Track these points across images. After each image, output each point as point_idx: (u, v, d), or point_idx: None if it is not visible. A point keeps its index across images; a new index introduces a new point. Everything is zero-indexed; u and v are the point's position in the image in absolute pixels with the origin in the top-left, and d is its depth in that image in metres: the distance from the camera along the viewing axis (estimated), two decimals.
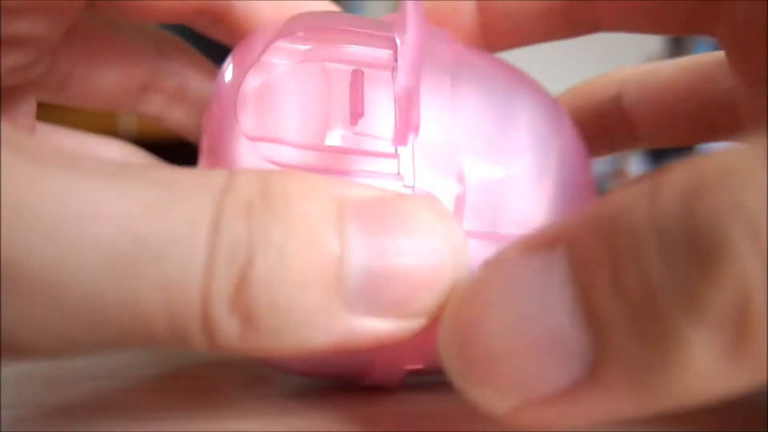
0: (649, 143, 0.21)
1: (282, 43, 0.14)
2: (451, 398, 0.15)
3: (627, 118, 0.21)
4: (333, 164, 0.13)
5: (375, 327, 0.11)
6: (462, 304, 0.10)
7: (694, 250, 0.08)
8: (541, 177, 0.15)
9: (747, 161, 0.08)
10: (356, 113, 0.14)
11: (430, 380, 0.16)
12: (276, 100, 0.14)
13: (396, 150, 0.14)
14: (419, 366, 0.15)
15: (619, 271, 0.08)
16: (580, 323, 0.09)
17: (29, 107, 0.18)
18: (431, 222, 0.11)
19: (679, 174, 0.09)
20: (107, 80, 0.19)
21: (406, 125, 0.14)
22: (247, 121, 0.14)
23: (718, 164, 0.08)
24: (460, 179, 0.14)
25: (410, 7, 0.15)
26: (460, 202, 0.14)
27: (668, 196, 0.08)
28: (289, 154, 0.13)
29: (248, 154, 0.13)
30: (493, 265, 0.10)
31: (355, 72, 0.14)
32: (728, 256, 0.08)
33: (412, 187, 0.13)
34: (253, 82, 0.14)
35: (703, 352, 0.08)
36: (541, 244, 0.10)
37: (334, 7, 0.19)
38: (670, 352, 0.08)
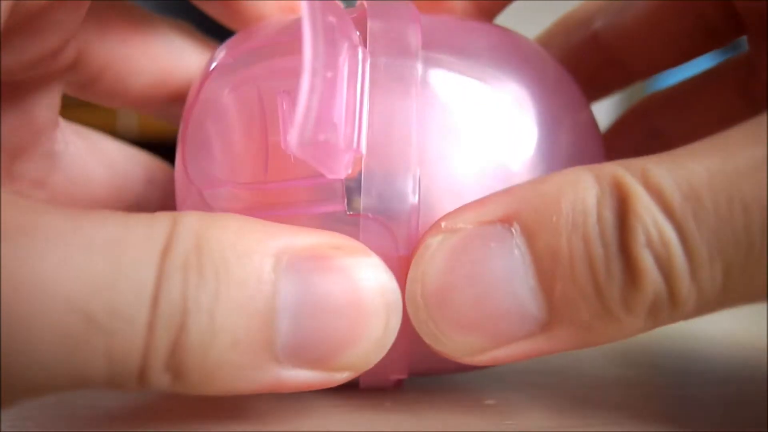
0: (641, 74, 0.21)
1: (217, 73, 0.14)
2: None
3: (611, 54, 0.20)
4: (276, 199, 0.13)
5: (301, 378, 0.11)
6: (429, 274, 0.12)
7: (623, 267, 0.11)
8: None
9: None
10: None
11: (431, 380, 0.16)
12: (215, 137, 0.13)
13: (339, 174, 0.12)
14: (404, 376, 0.14)
15: (575, 269, 0.11)
16: (538, 298, 0.11)
17: (51, 101, 0.17)
18: (365, 280, 0.11)
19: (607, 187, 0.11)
20: (141, 83, 0.18)
21: (336, 152, 0.12)
22: (193, 163, 0.13)
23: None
24: (414, 191, 0.13)
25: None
26: (413, 216, 0.13)
27: (606, 215, 0.11)
28: (232, 196, 0.13)
29: (195, 200, 0.13)
30: (451, 236, 0.12)
31: (281, 94, 0.12)
32: (645, 275, 0.11)
33: (359, 215, 0.12)
34: (195, 120, 0.14)
35: (631, 325, 0.11)
36: (495, 219, 0.12)
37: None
38: (607, 324, 0.11)
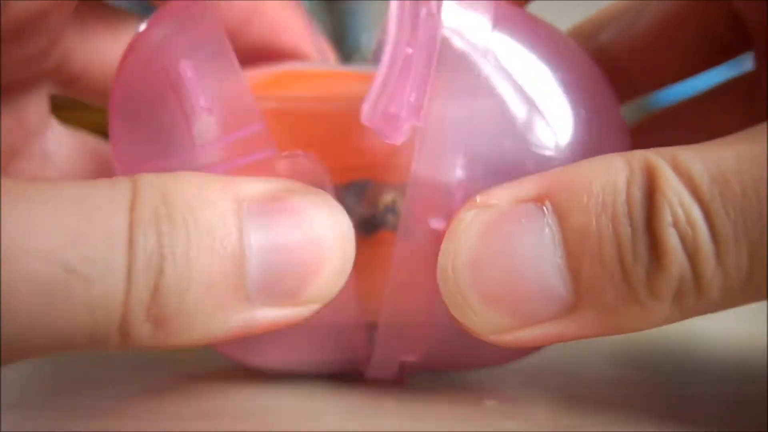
0: (648, 87, 0.21)
1: (131, 50, 0.14)
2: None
3: (619, 67, 0.20)
4: (210, 160, 0.13)
5: (272, 315, 0.12)
6: (461, 247, 0.12)
7: (649, 246, 0.11)
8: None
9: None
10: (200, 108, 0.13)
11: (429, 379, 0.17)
12: (137, 114, 0.14)
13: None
14: (414, 358, 0.15)
15: (603, 250, 0.11)
16: (566, 277, 0.12)
17: (40, 100, 0.18)
18: (319, 216, 0.12)
19: (640, 166, 0.11)
20: None
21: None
22: (121, 146, 0.14)
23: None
24: (462, 168, 0.13)
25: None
26: (459, 191, 0.13)
27: (635, 192, 0.11)
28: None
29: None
30: (485, 211, 0.12)
31: (184, 62, 0.13)
32: (670, 255, 0.11)
33: (293, 154, 0.13)
34: (118, 100, 0.14)
35: (656, 311, 0.11)
36: (529, 197, 0.12)
37: None
38: (632, 308, 0.11)
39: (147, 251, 0.11)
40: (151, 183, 0.11)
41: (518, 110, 0.14)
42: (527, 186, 0.12)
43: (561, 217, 0.12)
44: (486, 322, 0.12)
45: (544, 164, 0.13)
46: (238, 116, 0.13)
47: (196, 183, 0.12)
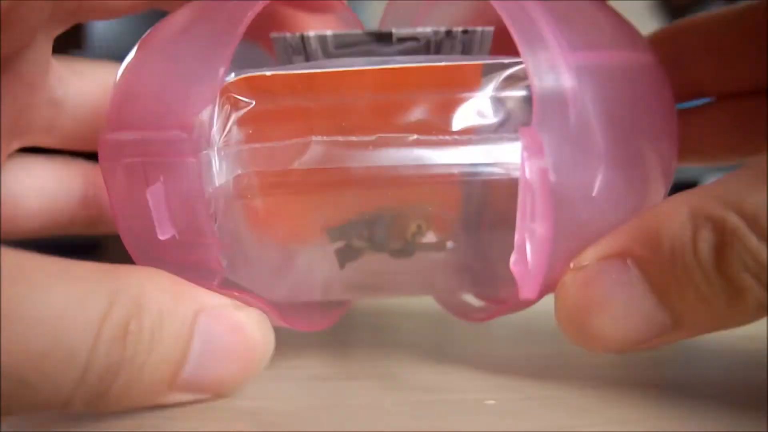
0: (712, 92, 0.22)
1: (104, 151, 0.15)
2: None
3: (688, 73, 0.21)
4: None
5: (184, 399, 0.14)
6: (567, 306, 0.15)
7: (725, 287, 0.13)
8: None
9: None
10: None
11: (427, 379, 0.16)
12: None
13: None
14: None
15: (683, 289, 0.13)
16: (663, 311, 0.14)
17: (39, 49, 0.18)
18: (253, 332, 0.14)
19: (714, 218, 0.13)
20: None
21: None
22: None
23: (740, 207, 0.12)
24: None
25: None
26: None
27: (703, 248, 0.13)
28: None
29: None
30: (580, 270, 0.15)
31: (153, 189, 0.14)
32: (747, 293, 0.13)
33: None
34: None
35: (746, 314, 0.13)
36: (613, 254, 0.14)
37: None
38: (725, 321, 0.14)
39: (106, 364, 0.12)
40: (128, 291, 0.12)
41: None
42: (608, 245, 0.14)
43: (642, 268, 0.14)
44: (602, 348, 0.15)
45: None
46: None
47: (169, 290, 0.13)
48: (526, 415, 0.14)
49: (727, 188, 0.13)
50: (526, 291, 0.14)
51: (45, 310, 0.11)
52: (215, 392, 0.14)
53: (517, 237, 0.14)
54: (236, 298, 0.14)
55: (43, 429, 0.13)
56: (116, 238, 0.16)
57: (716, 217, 0.13)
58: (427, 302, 0.21)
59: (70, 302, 0.12)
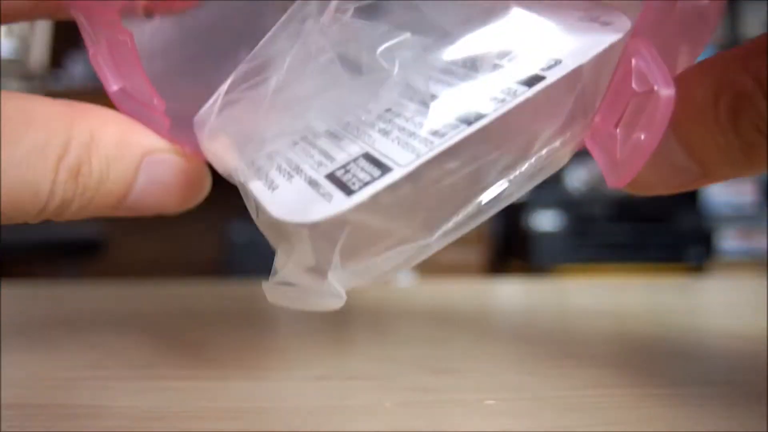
0: None
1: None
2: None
3: None
4: None
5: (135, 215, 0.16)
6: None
7: (741, 145, 0.14)
8: None
9: None
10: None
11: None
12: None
13: None
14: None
15: (707, 145, 0.15)
16: (692, 162, 0.15)
17: None
18: (191, 176, 0.16)
19: None
20: None
21: None
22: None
23: None
24: None
25: None
26: None
27: (723, 106, 0.14)
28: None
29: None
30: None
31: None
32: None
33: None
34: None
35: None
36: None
37: None
38: (748, 168, 0.15)
39: (62, 199, 0.14)
40: (80, 138, 0.15)
41: None
42: None
43: (675, 129, 0.15)
44: (643, 191, 0.16)
45: None
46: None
47: (118, 135, 0.15)
48: (526, 415, 0.14)
49: (747, 55, 0.14)
50: (614, 180, 0.15)
51: (15, 159, 0.14)
52: (155, 214, 0.17)
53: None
54: (181, 144, 0.16)
55: (43, 429, 0.13)
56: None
57: (734, 83, 0.14)
58: (427, 302, 0.21)
59: (32, 151, 0.14)
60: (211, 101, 0.16)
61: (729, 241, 1.52)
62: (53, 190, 0.14)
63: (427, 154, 0.13)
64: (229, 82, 0.16)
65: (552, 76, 0.14)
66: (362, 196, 0.12)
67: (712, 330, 0.24)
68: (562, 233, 1.48)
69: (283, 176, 0.14)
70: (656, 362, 0.18)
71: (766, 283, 0.32)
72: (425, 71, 0.15)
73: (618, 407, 0.15)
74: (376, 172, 0.13)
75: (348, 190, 0.13)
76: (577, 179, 1.51)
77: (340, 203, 0.12)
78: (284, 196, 0.13)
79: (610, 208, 1.47)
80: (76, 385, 0.17)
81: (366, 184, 0.13)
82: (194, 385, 0.16)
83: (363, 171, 0.13)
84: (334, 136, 0.14)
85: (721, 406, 0.15)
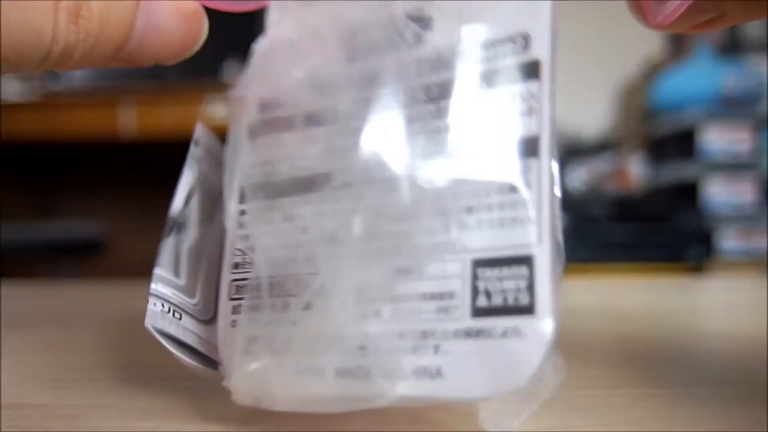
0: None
1: None
2: None
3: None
4: None
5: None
6: None
7: None
8: None
9: None
10: None
11: None
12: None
13: None
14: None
15: None
16: (713, 4, 0.15)
17: None
18: (188, 21, 0.17)
19: None
20: None
21: None
22: None
23: None
24: None
25: None
26: None
27: None
28: None
29: None
30: None
31: None
32: None
33: None
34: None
35: None
36: None
37: None
38: None
39: (65, 45, 0.15)
40: None
41: None
42: None
43: None
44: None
45: None
46: None
47: None
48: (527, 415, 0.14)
49: None
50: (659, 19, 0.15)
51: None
52: (155, 62, 0.17)
53: None
54: None
55: (43, 429, 0.13)
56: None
57: None
58: None
59: None
60: None
61: (729, 241, 1.52)
62: (56, 34, 0.14)
63: None
64: None
65: None
66: None
67: (712, 330, 0.24)
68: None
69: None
70: (656, 362, 0.18)
71: (766, 283, 0.32)
72: None
73: (618, 407, 0.15)
74: None
75: None
76: (577, 179, 1.51)
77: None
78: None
79: (610, 208, 1.47)
80: (76, 385, 0.17)
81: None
82: (194, 385, 0.16)
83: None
84: None
85: (721, 406, 0.15)
